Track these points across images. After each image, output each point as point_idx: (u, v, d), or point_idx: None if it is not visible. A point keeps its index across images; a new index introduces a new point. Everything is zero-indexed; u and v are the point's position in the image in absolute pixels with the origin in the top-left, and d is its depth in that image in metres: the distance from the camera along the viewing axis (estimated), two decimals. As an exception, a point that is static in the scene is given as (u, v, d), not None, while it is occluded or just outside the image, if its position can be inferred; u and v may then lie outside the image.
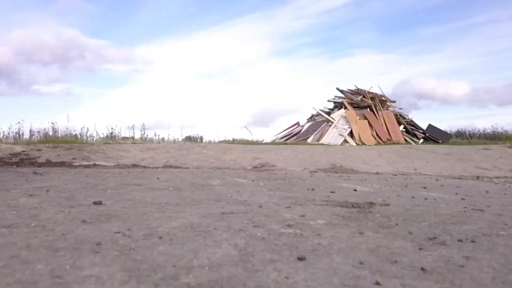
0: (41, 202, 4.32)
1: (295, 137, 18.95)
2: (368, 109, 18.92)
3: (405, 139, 18.01)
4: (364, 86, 20.45)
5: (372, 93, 19.85)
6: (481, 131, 21.15)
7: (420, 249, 2.74)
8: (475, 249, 2.76)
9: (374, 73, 40.67)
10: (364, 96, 19.58)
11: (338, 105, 19.90)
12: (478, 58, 34.51)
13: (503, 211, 4.44)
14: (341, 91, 20.47)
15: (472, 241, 2.97)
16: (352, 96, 19.75)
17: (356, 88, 20.49)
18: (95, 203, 4.24)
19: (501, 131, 20.30)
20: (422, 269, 2.27)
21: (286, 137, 19.45)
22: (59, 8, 31.72)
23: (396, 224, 3.58)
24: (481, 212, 4.34)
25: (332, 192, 5.86)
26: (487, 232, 3.33)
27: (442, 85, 32.79)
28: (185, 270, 2.16)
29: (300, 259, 2.40)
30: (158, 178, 7.24)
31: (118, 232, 3.00)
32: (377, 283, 2.00)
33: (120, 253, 2.46)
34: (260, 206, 4.35)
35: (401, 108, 20.71)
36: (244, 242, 2.78)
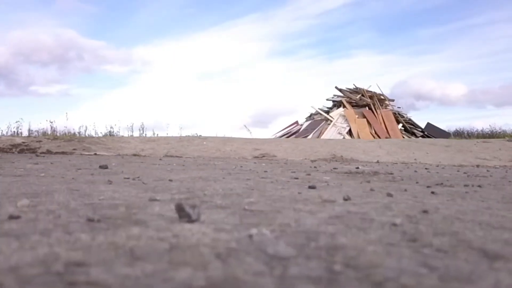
0: (46, 167, 4.33)
1: (294, 135, 19.01)
2: (367, 108, 19.02)
3: (404, 137, 18.10)
4: (363, 85, 20.58)
5: (371, 92, 19.97)
6: (479, 131, 21.26)
7: (428, 187, 2.77)
8: (483, 189, 2.79)
9: (372, 74, 40.73)
10: (363, 95, 19.70)
11: (337, 104, 20.00)
12: (476, 59, 34.69)
13: (506, 176, 4.49)
14: (340, 90, 20.59)
15: (479, 186, 3.00)
16: (351, 95, 19.87)
17: (355, 87, 20.62)
18: (101, 166, 4.26)
19: (499, 131, 20.41)
20: (432, 192, 2.30)
21: (285, 136, 19.51)
22: (57, 9, 31.77)
23: (402, 179, 3.61)
24: (485, 178, 4.38)
25: (335, 168, 5.89)
26: (492, 183, 3.38)
27: (440, 86, 32.89)
28: (199, 190, 2.18)
29: (311, 187, 2.43)
30: (160, 159, 7.26)
31: (128, 178, 3.02)
32: (389, 195, 2.03)
33: (132, 185, 2.48)
34: (265, 171, 4.38)
35: (400, 107, 20.83)
36: (253, 183, 2.81)
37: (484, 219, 1.30)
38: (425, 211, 1.42)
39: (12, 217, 1.08)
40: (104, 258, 0.75)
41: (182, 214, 1.09)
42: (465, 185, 3.02)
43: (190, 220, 1.08)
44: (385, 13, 33.65)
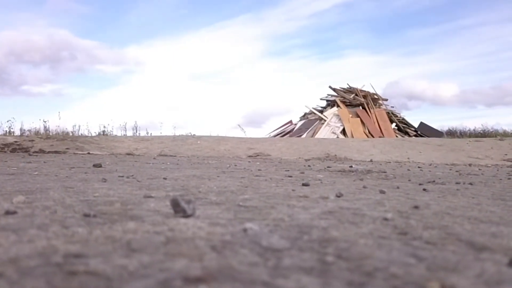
0: (40, 166, 4.32)
1: (288, 135, 19.06)
2: (361, 107, 19.12)
3: (397, 137, 18.22)
4: (356, 85, 20.67)
5: (365, 91, 20.07)
6: (471, 130, 21.44)
7: (420, 184, 2.81)
8: (474, 186, 2.84)
9: (365, 74, 40.85)
10: (356, 94, 19.79)
11: (331, 103, 20.08)
12: (467, 60, 34.96)
13: (497, 175, 4.55)
14: (334, 89, 20.67)
15: (470, 184, 3.05)
16: (345, 94, 19.95)
17: (348, 87, 20.71)
18: (94, 165, 4.25)
19: (491, 130, 20.59)
20: (424, 190, 2.34)
21: (279, 135, 19.54)
22: (49, 9, 31.44)
23: (394, 177, 3.65)
24: (476, 176, 4.44)
25: (328, 167, 5.92)
26: (483, 181, 3.43)
27: (432, 86, 33.08)
28: (194, 188, 2.20)
29: (305, 185, 2.45)
30: (154, 158, 7.25)
31: (122, 176, 3.03)
32: (382, 192, 2.06)
33: (127, 183, 2.49)
34: (259, 170, 4.40)
35: (393, 106, 20.95)
36: (247, 181, 2.83)
37: (473, 214, 1.33)
38: (416, 207, 1.45)
39: (8, 213, 1.09)
40: (102, 250, 0.77)
41: (178, 209, 1.11)
42: (457, 183, 3.06)
43: (185, 215, 1.10)
44: (377, 14, 33.79)
